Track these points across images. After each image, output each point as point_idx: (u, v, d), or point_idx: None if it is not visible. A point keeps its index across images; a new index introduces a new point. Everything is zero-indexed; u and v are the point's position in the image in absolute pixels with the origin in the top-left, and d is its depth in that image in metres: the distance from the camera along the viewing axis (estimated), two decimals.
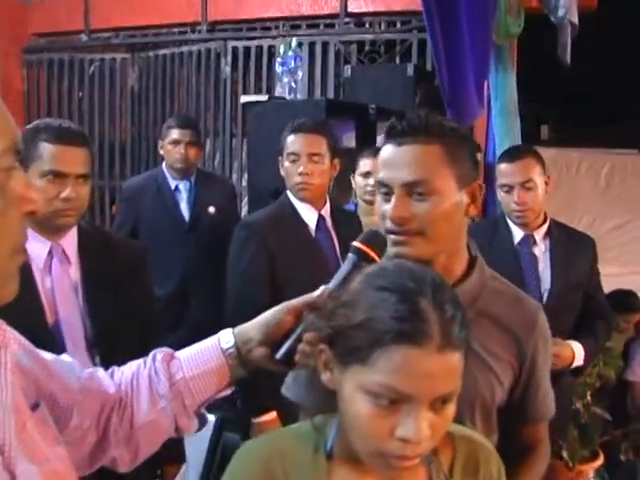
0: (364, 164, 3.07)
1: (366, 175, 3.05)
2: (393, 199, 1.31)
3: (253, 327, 1.16)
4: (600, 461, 3.14)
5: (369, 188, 2.99)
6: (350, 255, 1.18)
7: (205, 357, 1.15)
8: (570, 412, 2.93)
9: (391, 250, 1.32)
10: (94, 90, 5.70)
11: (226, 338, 1.16)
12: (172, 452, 2.13)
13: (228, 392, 1.19)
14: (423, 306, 0.91)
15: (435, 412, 0.93)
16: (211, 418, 1.79)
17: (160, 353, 1.17)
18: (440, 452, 1.06)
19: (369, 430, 0.94)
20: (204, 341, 1.18)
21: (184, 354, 1.17)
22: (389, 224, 1.31)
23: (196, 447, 2.44)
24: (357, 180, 3.16)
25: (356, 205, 3.25)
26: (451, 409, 0.95)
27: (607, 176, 5.61)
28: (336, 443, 1.05)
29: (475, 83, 3.35)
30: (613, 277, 4.42)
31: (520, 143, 3.75)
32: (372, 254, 1.16)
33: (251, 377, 1.21)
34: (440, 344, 0.90)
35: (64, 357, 1.12)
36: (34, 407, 0.90)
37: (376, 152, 1.62)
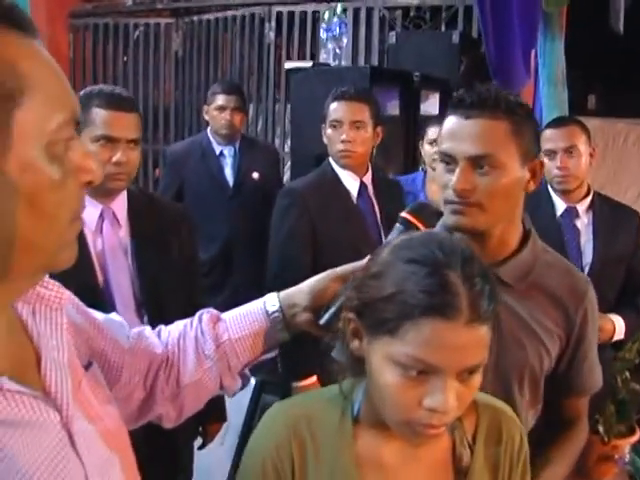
0: (432, 132, 3.04)
1: (434, 143, 3.03)
2: (457, 171, 1.32)
3: (299, 292, 1.17)
4: (636, 437, 3.12)
5: (437, 156, 2.98)
6: (397, 225, 1.19)
7: (250, 320, 1.17)
8: (610, 386, 2.91)
9: (449, 219, 1.35)
10: (138, 55, 5.77)
11: (272, 302, 1.18)
12: (214, 411, 2.20)
13: (272, 354, 1.22)
14: (452, 279, 0.92)
15: (462, 382, 0.94)
16: (252, 381, 1.83)
17: (207, 314, 1.19)
18: (464, 419, 1.08)
19: (397, 400, 0.96)
20: (250, 304, 1.20)
21: (230, 316, 1.19)
22: (450, 194, 1.34)
23: (236, 409, 2.50)
24: (425, 148, 3.15)
25: (425, 172, 3.23)
26: (477, 379, 0.97)
27: None
28: (363, 408, 1.08)
29: (522, 52, 3.29)
30: None
31: (567, 113, 3.69)
32: (419, 225, 1.17)
33: (292, 341, 1.23)
34: (469, 317, 0.91)
35: (114, 316, 1.15)
36: (87, 366, 0.93)
37: None
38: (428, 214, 1.23)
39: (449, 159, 1.35)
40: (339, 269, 1.17)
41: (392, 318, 0.93)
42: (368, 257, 1.13)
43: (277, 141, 5.17)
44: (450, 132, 1.35)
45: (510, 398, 1.34)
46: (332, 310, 1.12)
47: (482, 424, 1.11)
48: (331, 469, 1.06)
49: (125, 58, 5.82)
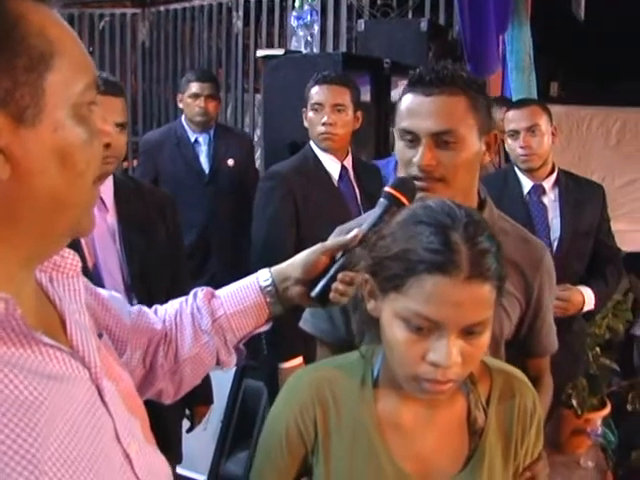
0: None
1: None
2: (421, 147, 1.35)
3: (290, 266, 1.21)
4: (607, 410, 3.23)
5: None
6: (381, 200, 1.22)
7: (244, 294, 1.20)
8: (582, 355, 3.00)
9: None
10: (104, 45, 5.71)
11: (264, 276, 1.21)
12: (201, 393, 2.22)
13: (267, 328, 1.25)
14: (454, 239, 0.96)
15: (466, 340, 0.99)
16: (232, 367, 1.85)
17: (201, 291, 1.22)
18: (478, 383, 1.14)
19: (403, 354, 1.01)
20: (243, 280, 1.23)
21: (224, 292, 1.22)
22: (415, 171, 1.36)
23: (218, 394, 2.51)
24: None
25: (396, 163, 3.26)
26: (484, 339, 1.01)
27: (618, 133, 5.57)
28: (381, 372, 1.13)
29: (496, 36, 3.36)
30: (624, 233, 4.44)
31: (535, 98, 3.77)
32: (403, 199, 1.21)
33: (277, 324, 1.26)
34: (468, 274, 0.95)
35: (115, 294, 1.17)
36: (99, 336, 0.95)
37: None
38: (411, 188, 1.26)
39: (411, 136, 1.37)
40: (328, 242, 1.21)
41: (398, 274, 0.98)
42: (355, 230, 1.18)
43: (246, 130, 5.17)
44: (410, 110, 1.38)
45: None
46: (323, 282, 1.16)
47: (495, 388, 1.16)
48: (353, 431, 1.10)
49: (91, 49, 5.74)
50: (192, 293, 1.23)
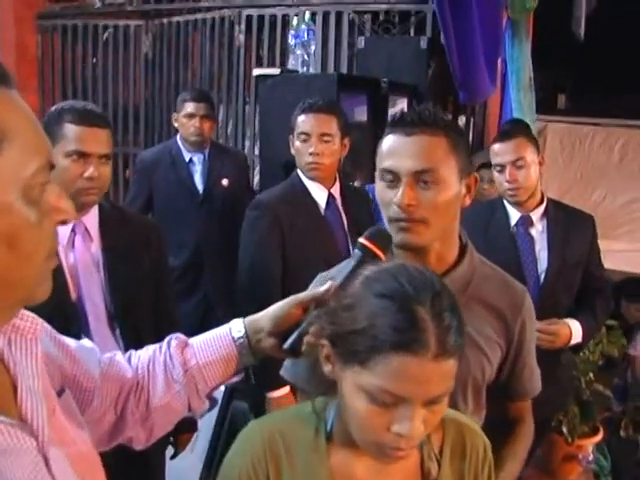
0: None
1: None
2: (401, 187, 1.35)
3: (263, 318, 1.22)
4: (599, 437, 3.21)
5: None
6: (356, 251, 1.22)
7: (217, 345, 1.22)
8: (570, 388, 2.99)
9: (395, 237, 1.36)
10: (108, 56, 5.72)
11: (237, 327, 1.23)
12: (185, 422, 2.21)
13: (237, 378, 1.26)
14: (421, 315, 0.95)
15: (428, 409, 0.99)
16: (221, 387, 1.86)
17: (175, 340, 1.24)
18: (431, 434, 1.13)
19: (366, 425, 1.00)
20: (216, 329, 1.25)
21: (197, 341, 1.24)
22: (396, 211, 1.36)
23: (206, 415, 2.52)
24: None
25: None
26: (444, 404, 1.02)
27: (620, 151, 5.55)
28: (335, 425, 1.13)
29: (487, 63, 3.35)
30: (623, 253, 4.42)
31: (535, 116, 3.76)
32: (377, 251, 1.20)
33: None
34: (436, 353, 0.94)
35: (85, 342, 1.18)
36: (60, 392, 0.97)
37: None
38: (386, 239, 1.26)
39: (392, 176, 1.37)
40: (302, 295, 1.22)
41: (363, 350, 0.97)
42: (328, 283, 1.17)
43: (247, 143, 5.17)
44: (391, 149, 1.37)
45: (455, 408, 1.38)
46: (295, 335, 1.16)
47: (448, 438, 1.16)
48: None
49: (94, 60, 5.77)
50: (166, 341, 1.24)
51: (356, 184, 3.30)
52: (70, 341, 1.11)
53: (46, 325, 1.00)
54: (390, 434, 0.98)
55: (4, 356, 0.85)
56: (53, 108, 1.90)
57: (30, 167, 0.75)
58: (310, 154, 2.43)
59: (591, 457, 3.16)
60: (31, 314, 0.90)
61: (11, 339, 0.87)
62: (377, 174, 1.42)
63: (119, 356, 1.22)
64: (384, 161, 1.38)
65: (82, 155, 1.86)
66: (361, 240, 1.22)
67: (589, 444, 3.16)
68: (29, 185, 0.75)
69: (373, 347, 0.96)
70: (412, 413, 0.96)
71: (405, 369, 0.94)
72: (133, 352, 1.25)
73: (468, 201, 1.45)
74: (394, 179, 1.36)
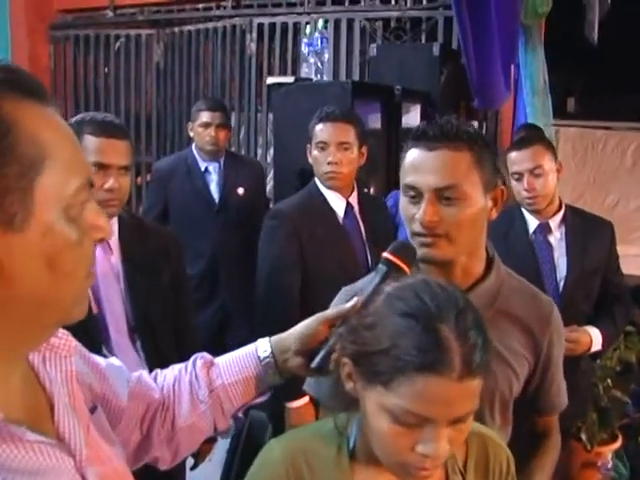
0: None
1: None
2: (424, 203, 1.33)
3: (289, 337, 1.21)
4: (618, 444, 3.19)
5: None
6: (380, 266, 1.20)
7: (243, 365, 1.20)
8: (589, 395, 2.97)
9: (419, 252, 1.34)
10: (119, 66, 5.76)
11: (263, 347, 1.21)
12: None
13: (263, 398, 1.25)
14: (445, 334, 0.93)
15: (453, 428, 0.97)
16: None
17: (200, 359, 1.22)
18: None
19: (390, 445, 0.99)
20: (242, 348, 1.24)
21: (223, 361, 1.23)
22: (418, 227, 1.35)
23: None
24: None
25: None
26: (469, 423, 1.00)
27: (634, 155, 5.53)
28: (358, 443, 1.10)
29: (502, 68, 3.35)
30: (638, 258, 4.38)
31: (551, 120, 3.74)
32: (402, 265, 1.19)
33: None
34: (461, 373, 0.92)
35: (114, 360, 1.17)
36: (92, 410, 0.96)
37: None
38: (410, 253, 1.24)
39: (414, 192, 1.35)
40: (327, 312, 1.20)
41: (386, 371, 0.95)
42: (355, 299, 1.15)
43: (260, 151, 5.19)
44: (414, 165, 1.35)
45: (482, 423, 1.37)
46: (322, 353, 1.15)
47: (472, 451, 1.15)
48: None
49: (106, 69, 5.81)
50: (192, 360, 1.23)
51: (371, 191, 3.30)
52: (100, 359, 1.10)
53: (76, 342, 1.00)
54: (415, 454, 0.97)
55: (39, 374, 0.85)
56: (73, 120, 1.91)
57: (71, 186, 0.75)
58: (328, 163, 2.42)
59: (610, 464, 3.14)
60: (65, 331, 0.90)
61: (45, 357, 0.87)
62: (401, 189, 1.41)
63: (145, 375, 1.22)
64: (407, 177, 1.37)
65: (102, 167, 1.86)
66: (385, 255, 1.20)
67: (608, 451, 3.15)
68: (70, 204, 0.75)
69: (396, 368, 0.94)
70: (437, 433, 0.95)
71: (429, 390, 0.93)
72: (159, 371, 1.24)
73: (495, 214, 1.42)
74: (416, 195, 1.35)
